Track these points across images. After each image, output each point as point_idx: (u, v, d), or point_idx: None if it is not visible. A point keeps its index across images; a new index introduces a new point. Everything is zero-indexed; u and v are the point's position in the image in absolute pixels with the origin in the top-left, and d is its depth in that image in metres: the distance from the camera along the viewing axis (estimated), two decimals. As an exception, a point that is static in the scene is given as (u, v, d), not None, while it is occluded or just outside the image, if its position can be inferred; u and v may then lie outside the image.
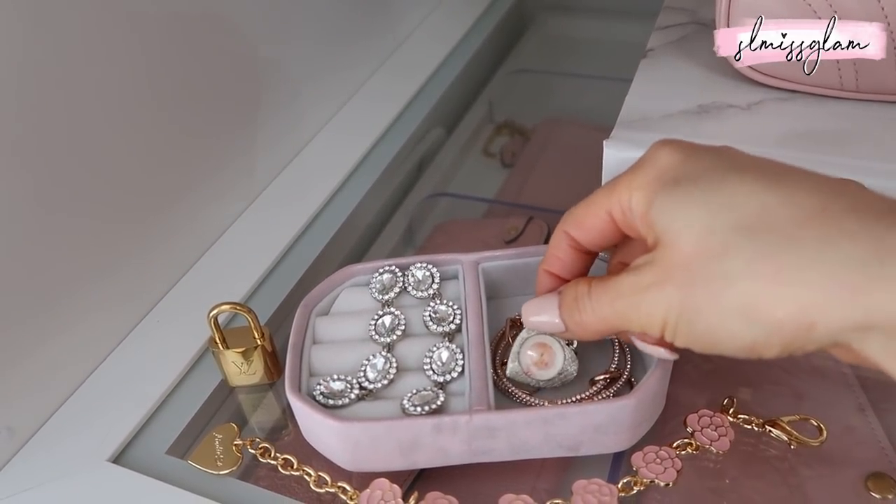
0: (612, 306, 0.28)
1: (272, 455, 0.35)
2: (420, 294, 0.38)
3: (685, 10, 0.46)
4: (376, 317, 0.37)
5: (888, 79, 0.36)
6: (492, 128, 0.62)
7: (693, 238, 0.26)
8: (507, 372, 0.35)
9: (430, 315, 0.37)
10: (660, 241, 0.27)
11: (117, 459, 0.35)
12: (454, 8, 0.68)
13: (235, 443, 0.35)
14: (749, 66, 0.38)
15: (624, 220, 0.29)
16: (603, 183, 0.39)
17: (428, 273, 0.39)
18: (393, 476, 0.32)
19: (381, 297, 0.38)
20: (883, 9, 0.35)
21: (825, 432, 0.34)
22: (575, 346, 0.35)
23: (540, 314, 0.31)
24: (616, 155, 0.37)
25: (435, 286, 0.38)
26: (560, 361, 0.34)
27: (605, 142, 0.37)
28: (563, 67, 0.70)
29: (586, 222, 0.31)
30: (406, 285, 0.39)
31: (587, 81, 0.67)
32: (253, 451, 0.35)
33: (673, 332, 0.27)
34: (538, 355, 0.34)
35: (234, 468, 0.34)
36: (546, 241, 0.47)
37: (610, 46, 0.69)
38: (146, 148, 0.40)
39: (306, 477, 0.34)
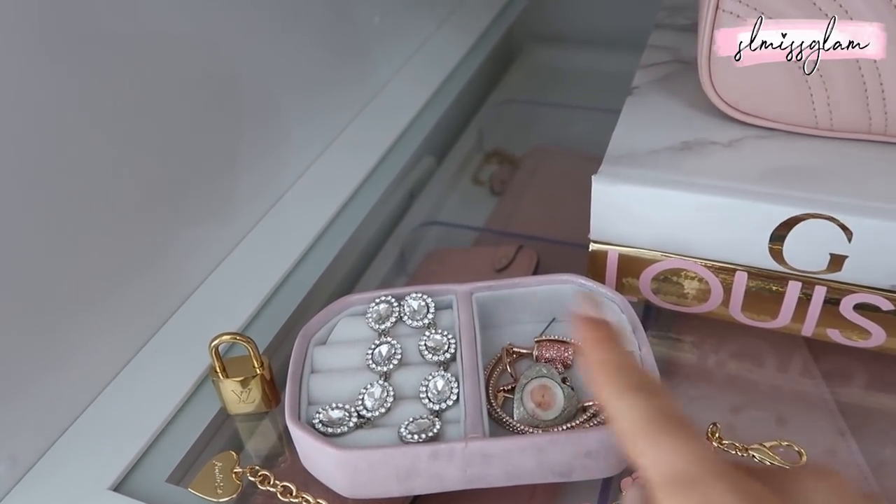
0: None
1: (271, 482, 0.35)
2: (415, 324, 0.39)
3: (668, 49, 0.48)
4: (373, 346, 0.38)
5: (861, 118, 0.37)
6: (481, 156, 0.64)
7: None
8: (515, 417, 0.36)
9: (425, 344, 0.38)
10: None
11: (118, 488, 0.36)
12: (446, 38, 0.70)
13: (235, 470, 0.36)
14: (729, 105, 0.40)
15: None
16: (592, 215, 0.40)
17: (423, 303, 0.40)
18: (388, 502, 0.33)
19: (377, 326, 0.39)
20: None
21: (804, 457, 0.35)
22: (570, 382, 0.36)
23: None
24: (604, 189, 0.38)
25: (430, 316, 0.39)
26: (561, 400, 0.35)
27: (593, 176, 0.39)
28: (550, 98, 0.71)
29: None
30: (402, 315, 0.40)
31: (574, 111, 0.68)
32: (252, 479, 0.36)
33: None
34: (539, 397, 0.36)
35: (233, 496, 0.35)
36: (535, 271, 0.48)
37: (596, 77, 0.71)
38: (142, 178, 0.41)
39: (305, 504, 0.35)
